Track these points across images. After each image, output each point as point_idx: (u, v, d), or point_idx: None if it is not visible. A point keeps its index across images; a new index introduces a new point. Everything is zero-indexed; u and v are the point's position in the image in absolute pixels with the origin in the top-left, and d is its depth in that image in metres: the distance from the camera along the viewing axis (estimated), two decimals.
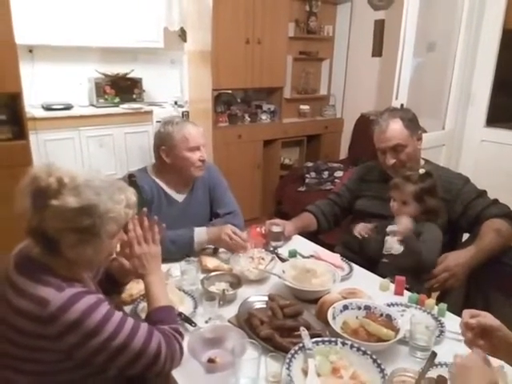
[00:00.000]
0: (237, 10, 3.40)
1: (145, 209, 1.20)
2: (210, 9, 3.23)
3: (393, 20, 3.62)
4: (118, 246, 1.17)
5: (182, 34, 4.47)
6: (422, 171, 1.61)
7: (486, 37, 3.18)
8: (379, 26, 3.83)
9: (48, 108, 3.95)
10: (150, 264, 1.17)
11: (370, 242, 1.71)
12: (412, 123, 1.78)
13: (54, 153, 3.91)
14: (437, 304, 1.37)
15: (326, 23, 4.16)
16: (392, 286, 1.48)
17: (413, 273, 1.56)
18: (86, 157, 4.13)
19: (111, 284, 1.26)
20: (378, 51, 3.91)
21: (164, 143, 1.74)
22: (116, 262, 1.23)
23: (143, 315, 1.23)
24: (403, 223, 1.58)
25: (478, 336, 0.93)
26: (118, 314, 1.00)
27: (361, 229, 1.75)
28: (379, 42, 3.87)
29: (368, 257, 1.72)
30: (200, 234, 1.67)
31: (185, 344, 1.09)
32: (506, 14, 3.08)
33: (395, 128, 1.74)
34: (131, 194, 1.07)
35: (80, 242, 0.98)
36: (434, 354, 1.06)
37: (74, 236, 0.97)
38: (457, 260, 1.56)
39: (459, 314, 1.35)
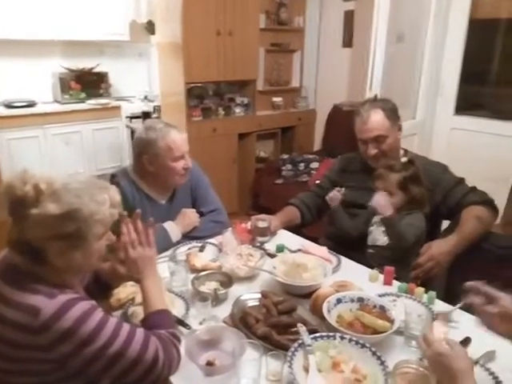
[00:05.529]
0: (207, 0, 3.32)
1: (138, 210, 1.15)
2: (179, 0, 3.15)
3: (362, 11, 3.65)
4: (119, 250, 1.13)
5: (149, 27, 4.36)
6: (404, 160, 1.63)
7: (454, 26, 3.25)
8: (349, 17, 3.86)
9: (9, 105, 3.79)
10: (146, 267, 1.13)
11: (338, 213, 1.80)
12: (393, 113, 1.79)
13: (18, 152, 3.76)
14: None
15: (296, 14, 4.14)
16: (381, 277, 1.50)
17: (398, 262, 1.58)
18: (52, 155, 3.98)
19: (100, 288, 1.20)
20: (348, 42, 3.94)
21: (146, 151, 1.67)
22: (107, 266, 1.17)
23: (134, 320, 1.19)
24: (375, 199, 1.62)
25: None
26: (112, 321, 0.96)
27: (332, 197, 1.81)
28: (349, 32, 3.90)
29: (343, 233, 1.78)
30: (170, 224, 1.69)
31: (181, 347, 1.06)
32: (473, 3, 3.15)
33: (377, 119, 1.75)
34: (114, 193, 1.02)
35: (67, 248, 0.94)
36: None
37: (60, 243, 0.93)
38: (440, 249, 1.59)
39: (442, 300, 1.39)
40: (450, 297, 1.65)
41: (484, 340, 1.14)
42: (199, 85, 3.80)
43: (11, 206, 0.90)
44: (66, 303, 0.90)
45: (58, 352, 0.90)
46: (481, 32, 3.26)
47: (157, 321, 1.06)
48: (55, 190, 0.91)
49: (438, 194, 1.76)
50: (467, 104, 3.42)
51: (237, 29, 3.54)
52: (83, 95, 4.20)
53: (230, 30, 3.50)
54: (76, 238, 0.94)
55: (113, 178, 1.57)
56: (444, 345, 0.86)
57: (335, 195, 1.80)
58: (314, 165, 3.75)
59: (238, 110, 3.89)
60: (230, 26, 3.50)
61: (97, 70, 4.33)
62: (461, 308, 1.23)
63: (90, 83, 4.25)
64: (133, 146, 1.74)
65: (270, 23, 3.99)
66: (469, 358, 0.88)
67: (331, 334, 1.11)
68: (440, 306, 1.35)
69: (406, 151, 1.94)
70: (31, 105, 3.90)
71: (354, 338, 1.09)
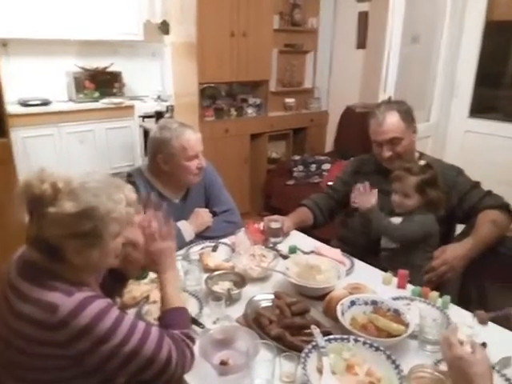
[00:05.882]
0: (222, 1, 3.33)
1: (161, 202, 1.16)
2: (194, 0, 3.16)
3: (377, 12, 3.63)
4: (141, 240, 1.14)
5: (163, 27, 4.38)
6: (422, 163, 1.62)
7: (470, 28, 3.21)
8: (363, 18, 3.84)
9: (25, 104, 3.83)
10: (166, 260, 1.14)
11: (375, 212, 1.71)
12: (408, 116, 1.78)
13: (33, 150, 3.80)
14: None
15: (310, 15, 4.13)
16: (394, 280, 1.49)
17: (411, 265, 1.57)
18: (66, 154, 4.02)
19: (114, 279, 1.20)
20: (362, 43, 3.92)
21: (161, 151, 1.69)
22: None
23: (149, 318, 1.20)
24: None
25: None
26: (128, 319, 0.97)
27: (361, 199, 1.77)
28: (363, 33, 3.88)
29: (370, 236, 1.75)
30: (183, 223, 1.70)
31: (195, 346, 1.06)
32: (489, 4, 3.12)
33: (392, 121, 1.74)
34: (130, 192, 1.03)
35: (84, 246, 0.95)
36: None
37: (77, 242, 0.93)
38: (455, 252, 1.56)
39: (455, 304, 1.37)
40: (465, 301, 1.64)
41: (500, 346, 1.13)
42: (212, 85, 3.82)
43: (29, 204, 0.92)
44: (83, 301, 0.91)
45: (75, 349, 0.91)
46: (497, 34, 3.22)
47: (172, 320, 1.07)
48: (73, 189, 0.92)
49: (453, 197, 1.74)
50: (481, 106, 3.37)
51: (251, 30, 3.54)
52: (97, 94, 4.23)
53: (244, 31, 3.51)
54: (93, 236, 0.94)
55: (129, 177, 1.59)
56: (465, 349, 0.85)
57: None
58: (326, 166, 3.74)
59: (250, 110, 3.89)
60: (244, 26, 3.50)
61: (110, 69, 4.36)
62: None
63: (103, 82, 4.28)
64: (147, 145, 1.75)
65: (284, 24, 3.99)
66: (488, 363, 0.87)
67: (345, 336, 1.10)
68: (454, 310, 1.33)
69: (421, 154, 1.92)
70: (46, 103, 3.93)
71: (368, 341, 1.08)
